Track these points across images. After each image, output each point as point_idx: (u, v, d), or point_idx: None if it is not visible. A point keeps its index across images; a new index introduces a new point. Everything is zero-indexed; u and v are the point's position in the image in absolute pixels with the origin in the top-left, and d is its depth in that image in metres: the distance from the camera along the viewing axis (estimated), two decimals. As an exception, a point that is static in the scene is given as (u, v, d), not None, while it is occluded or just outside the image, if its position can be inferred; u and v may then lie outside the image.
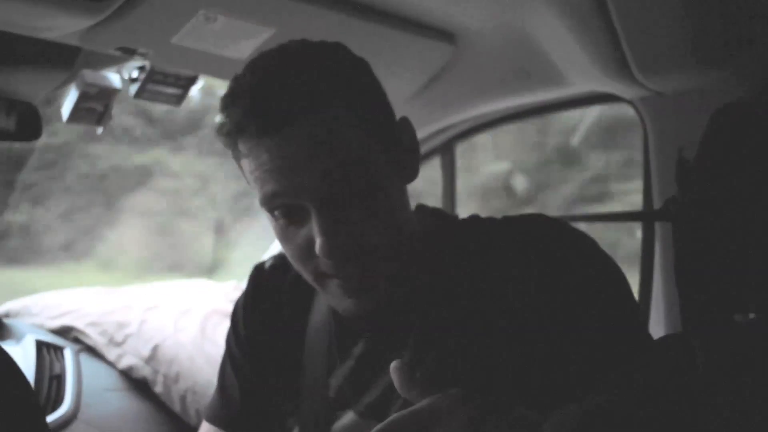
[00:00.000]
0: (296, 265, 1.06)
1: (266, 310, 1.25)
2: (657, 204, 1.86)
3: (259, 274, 1.29)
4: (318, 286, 1.06)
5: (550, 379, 0.97)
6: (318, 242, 0.98)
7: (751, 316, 1.41)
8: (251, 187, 1.03)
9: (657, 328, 1.83)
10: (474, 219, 1.15)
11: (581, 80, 1.88)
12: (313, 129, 0.96)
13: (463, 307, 1.06)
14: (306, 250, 1.02)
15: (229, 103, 1.01)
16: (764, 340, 0.85)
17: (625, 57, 1.67)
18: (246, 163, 1.01)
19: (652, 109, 1.88)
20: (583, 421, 0.78)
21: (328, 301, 1.09)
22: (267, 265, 1.28)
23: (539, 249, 1.04)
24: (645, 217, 1.98)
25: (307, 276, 1.06)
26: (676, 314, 1.79)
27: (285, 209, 1.00)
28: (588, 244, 1.06)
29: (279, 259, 1.28)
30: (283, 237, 1.04)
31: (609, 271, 1.05)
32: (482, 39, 1.80)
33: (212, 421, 1.28)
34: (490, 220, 1.14)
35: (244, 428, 1.25)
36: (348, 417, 1.12)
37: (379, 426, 0.79)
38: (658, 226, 1.90)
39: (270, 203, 1.00)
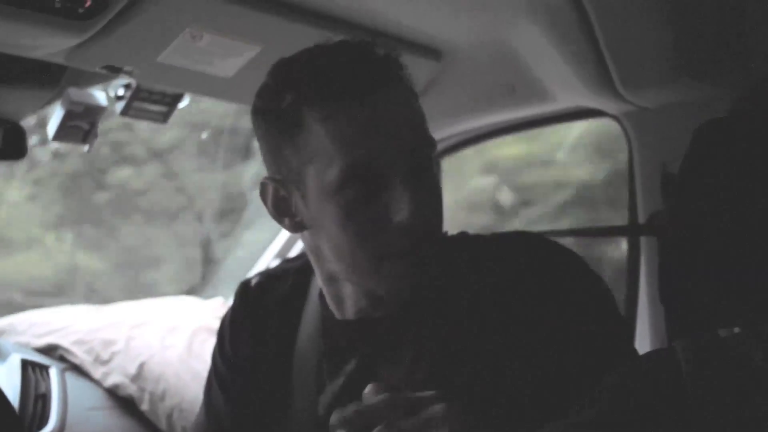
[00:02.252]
0: (360, 244, 1.01)
1: (253, 327, 1.23)
2: (642, 218, 1.88)
3: (245, 290, 1.26)
4: (377, 270, 1.02)
5: (539, 394, 0.98)
6: (407, 210, 0.97)
7: (736, 330, 1.42)
8: (312, 163, 1.00)
9: (643, 342, 1.84)
10: (463, 236, 1.16)
11: (566, 95, 1.89)
12: (400, 93, 1.00)
13: (455, 324, 1.07)
14: (378, 223, 0.99)
15: (293, 72, 1.01)
16: (748, 354, 0.86)
17: (609, 72, 1.69)
18: (323, 129, 0.98)
19: (636, 123, 1.89)
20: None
21: (382, 288, 1.05)
22: (253, 282, 1.26)
23: (528, 267, 1.06)
24: (630, 231, 1.99)
25: (365, 258, 1.02)
26: (662, 328, 1.80)
27: (364, 179, 0.98)
28: (575, 261, 1.09)
29: (265, 277, 1.26)
30: (357, 210, 1.00)
31: (595, 287, 1.08)
32: (468, 55, 1.81)
33: None
34: (479, 238, 1.14)
35: None
36: None
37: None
38: (643, 241, 1.91)
39: (358, 170, 0.97)
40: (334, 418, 0.90)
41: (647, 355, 0.92)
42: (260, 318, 1.22)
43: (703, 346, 0.86)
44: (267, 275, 1.26)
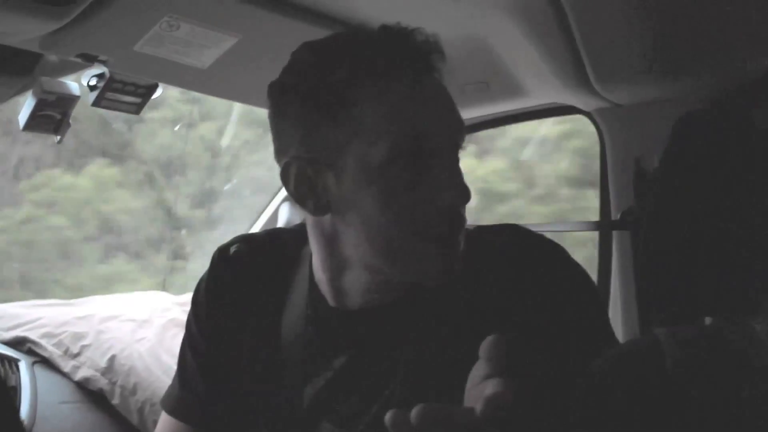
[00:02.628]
0: (401, 225, 1.00)
1: (232, 298, 1.18)
2: (614, 214, 1.89)
3: (223, 258, 1.21)
4: (413, 252, 1.01)
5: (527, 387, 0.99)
6: (455, 192, 1.00)
7: (707, 321, 1.44)
8: (356, 140, 0.99)
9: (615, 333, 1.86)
10: None
11: (540, 92, 1.90)
12: (439, 79, 1.03)
13: (445, 321, 1.07)
14: (422, 203, 0.99)
15: (347, 47, 1.03)
16: (729, 341, 0.87)
17: (584, 68, 1.70)
18: (376, 105, 0.98)
19: (609, 120, 1.91)
20: (555, 421, 0.79)
21: (414, 270, 1.03)
22: (232, 250, 1.21)
23: (517, 258, 1.07)
24: (603, 227, 2.00)
25: (405, 240, 1.00)
26: (633, 321, 1.82)
27: (412, 156, 0.99)
28: (560, 253, 1.10)
29: (244, 246, 1.21)
30: (398, 189, 0.99)
31: (580, 278, 1.10)
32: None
33: (172, 413, 1.22)
34: (466, 231, 1.15)
35: (207, 421, 1.19)
36: (323, 427, 1.10)
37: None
38: (615, 236, 1.93)
39: (409, 144, 0.98)
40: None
41: (631, 342, 0.93)
42: (240, 290, 1.18)
43: (685, 334, 0.87)
44: (248, 242, 1.21)
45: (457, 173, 1.02)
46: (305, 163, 1.04)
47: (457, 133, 1.02)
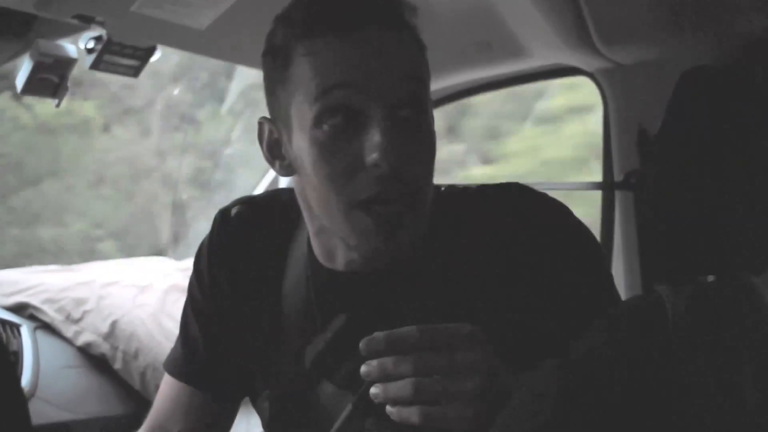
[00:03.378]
0: (331, 188, 0.98)
1: (234, 260, 1.18)
2: (617, 175, 1.89)
3: (225, 219, 1.20)
4: (347, 218, 0.99)
5: (532, 341, 0.98)
6: (379, 146, 0.93)
7: (710, 278, 1.44)
8: (295, 99, 0.99)
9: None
10: (453, 189, 1.14)
11: (542, 52, 1.89)
12: (393, 34, 0.98)
13: (449, 280, 1.06)
14: (351, 167, 0.96)
15: (294, 7, 1.01)
16: (725, 300, 0.86)
17: (586, 27, 1.68)
18: (306, 63, 0.97)
19: (612, 81, 1.89)
20: (559, 375, 0.79)
21: (353, 240, 1.01)
22: (233, 212, 1.20)
23: (520, 219, 1.06)
24: (606, 187, 2.00)
25: (337, 205, 0.98)
26: (636, 280, 1.82)
27: (343, 114, 0.96)
28: (564, 211, 1.09)
29: (246, 208, 1.21)
30: (329, 149, 0.97)
31: (585, 237, 1.09)
32: (444, 10, 1.79)
33: (175, 374, 1.22)
34: (469, 190, 1.13)
35: (210, 383, 1.20)
36: (323, 387, 1.10)
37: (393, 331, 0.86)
38: (618, 197, 1.92)
39: (334, 98, 0.95)
40: (363, 346, 0.88)
41: (633, 299, 0.92)
42: (242, 252, 1.18)
43: (686, 292, 0.87)
44: (250, 204, 1.21)
45: (391, 133, 0.94)
46: (271, 124, 1.06)
47: (391, 87, 0.96)
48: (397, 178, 0.95)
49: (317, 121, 0.96)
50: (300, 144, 1.00)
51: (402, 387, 0.86)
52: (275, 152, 1.07)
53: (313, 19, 0.97)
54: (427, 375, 0.86)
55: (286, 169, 1.07)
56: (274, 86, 1.03)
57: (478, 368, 0.87)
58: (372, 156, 0.94)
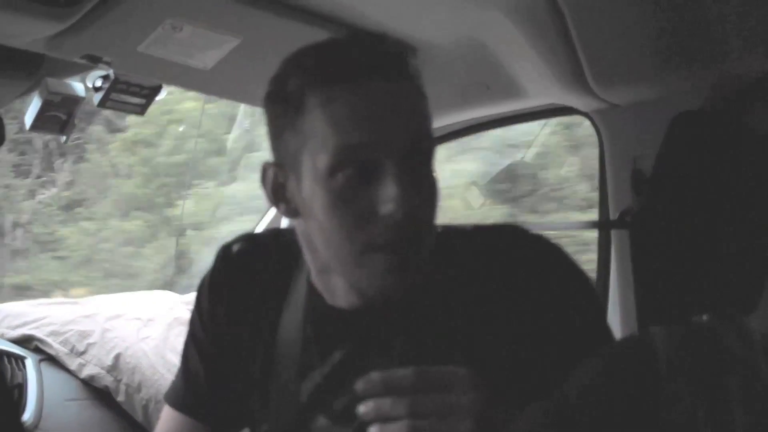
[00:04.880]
0: (344, 235, 1.01)
1: (234, 295, 1.20)
2: (613, 213, 1.91)
3: (226, 255, 1.23)
4: (359, 263, 1.02)
5: (526, 381, 1.01)
6: (394, 203, 0.96)
7: (704, 318, 1.46)
8: (307, 147, 1.00)
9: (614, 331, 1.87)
10: (451, 228, 1.16)
11: (539, 93, 1.92)
12: (403, 86, 1.00)
13: (446, 319, 1.08)
14: (365, 215, 0.99)
15: (302, 58, 1.02)
16: (721, 339, 0.88)
17: (581, 70, 1.72)
18: (321, 114, 0.98)
19: (607, 120, 1.92)
20: (551, 417, 0.81)
21: (363, 283, 1.04)
22: (235, 248, 1.23)
23: (516, 261, 1.09)
24: (601, 226, 2.02)
25: (350, 250, 1.01)
26: (632, 320, 1.83)
27: (358, 164, 0.98)
28: (559, 253, 1.11)
29: (247, 244, 1.23)
30: (343, 198, 0.99)
31: (579, 279, 1.11)
32: (443, 52, 1.83)
33: (176, 406, 1.24)
34: (466, 230, 1.16)
35: (210, 415, 1.22)
36: (319, 422, 1.12)
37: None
38: (614, 236, 1.94)
39: (350, 154, 0.97)
40: (360, 386, 0.91)
41: (625, 340, 0.95)
42: (242, 287, 1.20)
43: (678, 332, 0.89)
44: (251, 241, 1.24)
45: (405, 185, 0.98)
46: (277, 168, 1.08)
47: (403, 142, 0.99)
48: (409, 226, 0.99)
49: (331, 172, 0.99)
50: (311, 190, 1.02)
51: (398, 429, 0.89)
52: (280, 195, 1.09)
53: (327, 67, 0.99)
54: (421, 417, 0.89)
55: (292, 212, 1.09)
56: (282, 131, 1.04)
57: (472, 411, 0.90)
58: (387, 206, 0.97)
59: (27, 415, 1.81)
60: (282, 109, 1.04)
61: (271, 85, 1.07)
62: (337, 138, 0.97)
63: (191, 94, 3.32)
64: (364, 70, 0.98)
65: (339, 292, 1.11)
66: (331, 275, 1.10)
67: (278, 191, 1.09)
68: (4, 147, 1.65)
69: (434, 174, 1.05)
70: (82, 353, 2.10)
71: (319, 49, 1.03)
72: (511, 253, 1.10)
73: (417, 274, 1.03)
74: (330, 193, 1.00)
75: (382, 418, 0.90)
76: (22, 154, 4.05)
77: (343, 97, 0.98)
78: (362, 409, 0.91)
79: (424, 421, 0.89)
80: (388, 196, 0.97)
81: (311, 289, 1.15)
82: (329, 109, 0.98)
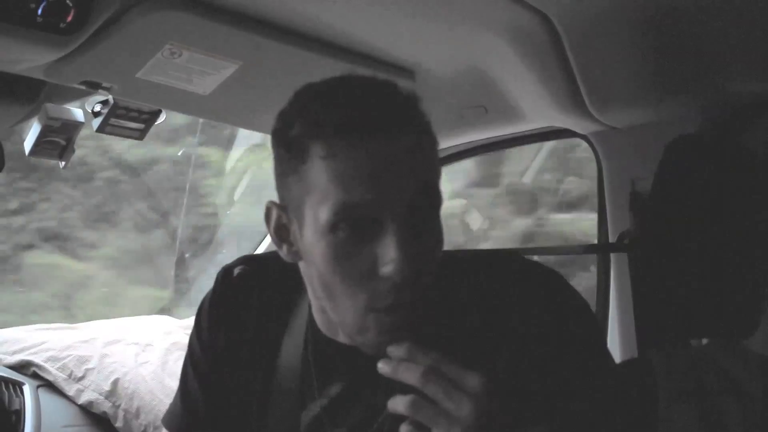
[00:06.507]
0: (344, 291, 0.99)
1: (234, 318, 1.19)
2: (612, 236, 1.91)
3: (227, 278, 1.22)
4: (357, 321, 1.01)
5: (525, 406, 1.00)
6: (394, 260, 0.94)
7: (704, 341, 1.46)
8: (309, 197, 0.98)
9: (613, 354, 1.87)
10: (448, 255, 1.13)
11: (537, 116, 1.93)
12: (412, 138, 0.97)
13: (445, 348, 1.08)
14: (365, 273, 0.97)
15: (309, 101, 0.99)
16: (719, 363, 0.89)
17: (579, 93, 1.73)
18: (324, 167, 0.95)
19: (605, 143, 1.93)
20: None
21: (359, 339, 1.03)
22: (236, 271, 1.22)
23: (514, 285, 1.09)
24: (600, 249, 2.02)
25: (349, 308, 1.00)
26: (632, 343, 1.83)
27: (357, 221, 0.96)
28: (557, 279, 1.12)
29: (248, 266, 1.22)
30: (343, 254, 0.97)
31: (577, 306, 1.11)
32: (441, 75, 1.84)
33: (173, 428, 1.24)
34: (465, 257, 1.16)
35: None
36: None
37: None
38: (613, 259, 1.94)
39: (351, 211, 0.95)
40: (392, 350, 0.96)
41: (623, 364, 0.95)
42: (243, 312, 1.19)
43: (676, 356, 0.89)
44: (252, 263, 1.23)
45: (402, 244, 0.95)
46: (281, 210, 1.06)
47: (406, 200, 0.96)
48: (409, 289, 0.97)
49: (332, 228, 0.96)
50: (312, 240, 1.00)
51: (410, 374, 0.94)
52: (283, 237, 1.07)
53: (332, 119, 0.96)
54: (430, 381, 0.93)
55: (294, 255, 1.07)
56: (286, 176, 1.02)
57: (475, 392, 0.92)
58: (387, 268, 0.95)
59: (25, 442, 1.80)
60: (286, 154, 1.01)
61: (278, 122, 1.04)
62: (338, 194, 0.95)
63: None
64: (369, 124, 0.95)
65: (337, 329, 1.11)
66: (330, 315, 1.08)
67: (281, 233, 1.07)
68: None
69: (439, 224, 1.03)
70: (81, 379, 2.09)
71: (324, 96, 1.00)
72: (509, 282, 1.10)
73: (416, 329, 1.01)
74: (330, 248, 0.98)
75: (396, 375, 0.95)
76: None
77: (345, 152, 0.95)
78: (381, 364, 0.96)
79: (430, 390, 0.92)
80: (389, 258, 0.95)
81: (311, 320, 1.15)
82: (332, 163, 0.95)
